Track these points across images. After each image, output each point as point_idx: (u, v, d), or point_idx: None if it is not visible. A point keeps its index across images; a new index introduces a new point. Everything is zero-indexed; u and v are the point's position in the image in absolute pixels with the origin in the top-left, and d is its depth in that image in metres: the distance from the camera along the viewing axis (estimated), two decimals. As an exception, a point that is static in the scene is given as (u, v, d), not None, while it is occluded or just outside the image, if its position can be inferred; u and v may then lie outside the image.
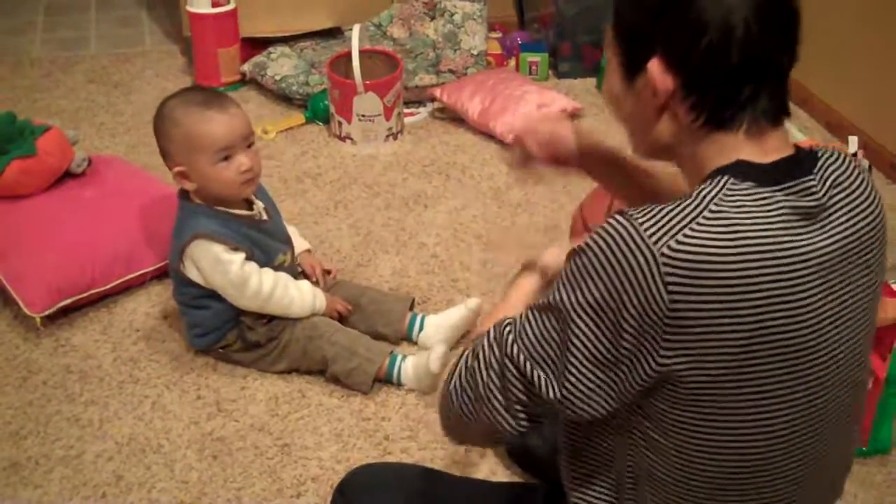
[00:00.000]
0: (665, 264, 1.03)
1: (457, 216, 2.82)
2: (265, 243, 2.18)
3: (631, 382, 1.09)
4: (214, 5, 3.37)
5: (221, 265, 2.09)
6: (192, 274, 2.13)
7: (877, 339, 2.03)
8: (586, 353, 1.09)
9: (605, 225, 1.08)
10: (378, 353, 2.18)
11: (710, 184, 1.09)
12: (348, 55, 3.04)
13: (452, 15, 3.54)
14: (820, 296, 1.09)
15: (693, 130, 1.13)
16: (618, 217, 1.08)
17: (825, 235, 1.09)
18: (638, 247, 1.05)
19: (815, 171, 1.12)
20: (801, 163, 1.12)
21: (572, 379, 1.10)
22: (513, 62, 3.63)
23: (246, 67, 3.48)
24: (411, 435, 2.08)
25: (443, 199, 2.90)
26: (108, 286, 2.41)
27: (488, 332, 1.21)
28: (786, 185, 1.08)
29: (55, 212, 2.48)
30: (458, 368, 1.24)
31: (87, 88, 3.53)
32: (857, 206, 1.14)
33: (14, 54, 3.81)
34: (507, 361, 1.15)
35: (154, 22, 4.12)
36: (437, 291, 2.50)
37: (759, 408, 1.09)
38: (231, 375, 2.23)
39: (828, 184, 1.12)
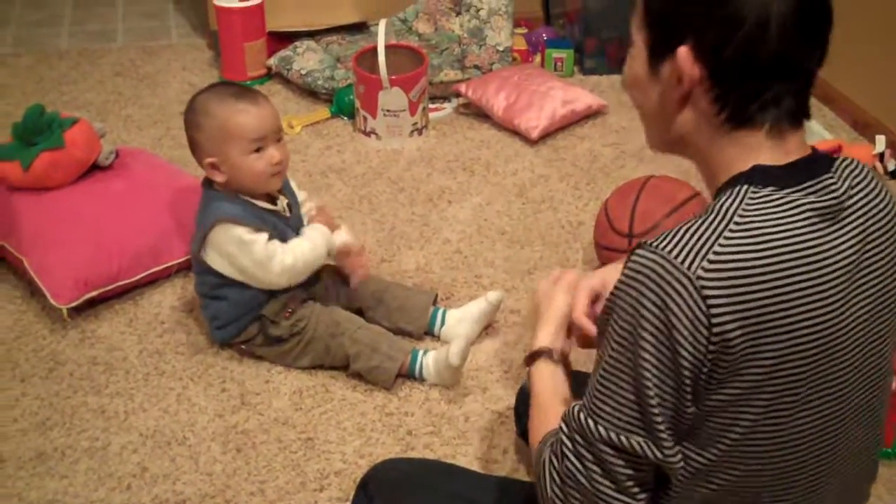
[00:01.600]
0: (703, 287, 1.03)
1: (481, 212, 2.82)
2: (286, 235, 2.18)
3: (700, 407, 1.09)
4: (241, -1, 3.39)
5: (245, 246, 2.10)
6: (214, 260, 2.14)
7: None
8: (660, 394, 1.07)
9: (631, 264, 1.08)
10: (400, 350, 2.18)
11: (730, 195, 1.09)
12: (374, 50, 3.04)
13: (478, 10, 3.54)
14: (847, 296, 1.09)
15: (715, 125, 1.12)
16: (640, 252, 1.07)
17: (846, 236, 1.10)
18: (673, 275, 1.04)
19: (834, 170, 1.12)
20: (818, 162, 1.12)
21: (661, 428, 1.08)
22: (538, 58, 3.62)
23: (272, 61, 3.49)
24: (434, 430, 2.09)
25: (467, 194, 2.90)
26: (134, 278, 2.43)
27: (561, 429, 1.17)
28: (806, 185, 1.09)
29: (82, 204, 2.50)
30: (548, 476, 1.18)
31: (113, 81, 3.55)
32: (874, 206, 1.14)
33: (42, 46, 3.83)
34: (598, 445, 1.11)
35: (180, 15, 4.14)
36: (460, 287, 2.51)
37: (787, 411, 1.09)
38: (256, 369, 2.24)
39: (846, 184, 1.12)
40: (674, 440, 1.09)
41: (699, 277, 1.03)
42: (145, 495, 1.94)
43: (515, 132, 3.18)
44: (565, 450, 1.15)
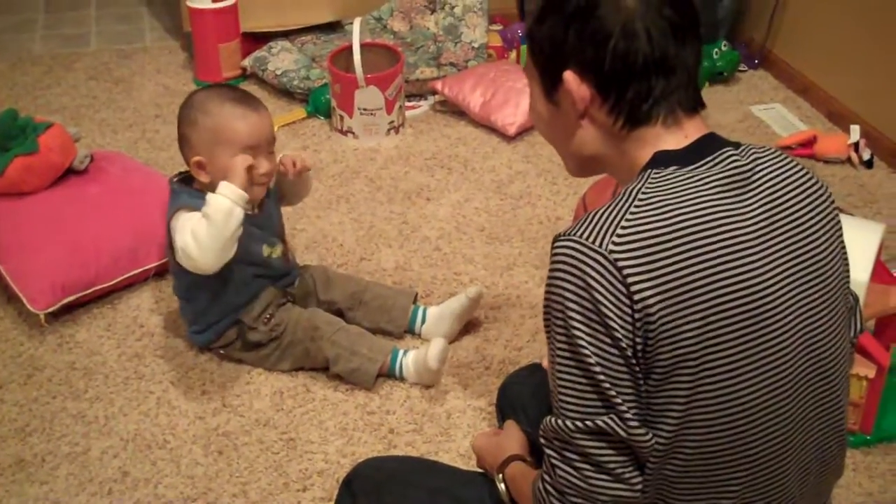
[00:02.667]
0: (617, 259, 1.08)
1: (459, 209, 2.82)
2: (251, 232, 2.10)
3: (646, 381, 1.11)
4: (215, 1, 3.37)
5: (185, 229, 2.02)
6: (177, 249, 2.11)
7: (881, 327, 2.03)
8: (605, 371, 1.10)
9: (551, 258, 1.14)
10: (379, 351, 2.17)
11: (635, 180, 1.16)
12: (349, 49, 3.04)
13: (453, 7, 3.54)
14: (765, 258, 1.13)
15: (615, 133, 1.20)
16: (556, 244, 1.14)
17: (756, 201, 1.16)
18: (587, 255, 1.10)
19: (737, 148, 1.19)
20: (715, 139, 1.20)
21: (619, 402, 1.11)
22: (514, 54, 3.62)
23: (247, 62, 3.48)
24: (416, 428, 2.08)
25: (445, 192, 2.90)
26: (111, 282, 2.42)
27: (543, 445, 1.19)
28: (707, 159, 1.16)
29: (58, 209, 2.48)
30: (546, 496, 1.18)
31: (87, 85, 3.53)
32: (783, 172, 1.20)
33: (15, 51, 3.81)
34: (576, 439, 1.13)
35: (154, 18, 4.12)
36: (440, 284, 2.50)
37: (727, 378, 1.11)
38: (236, 371, 2.24)
39: (752, 157, 1.19)
40: (640, 419, 1.11)
41: (611, 252, 1.09)
42: (127, 500, 1.93)
43: (492, 129, 3.18)
44: (553, 461, 1.17)
